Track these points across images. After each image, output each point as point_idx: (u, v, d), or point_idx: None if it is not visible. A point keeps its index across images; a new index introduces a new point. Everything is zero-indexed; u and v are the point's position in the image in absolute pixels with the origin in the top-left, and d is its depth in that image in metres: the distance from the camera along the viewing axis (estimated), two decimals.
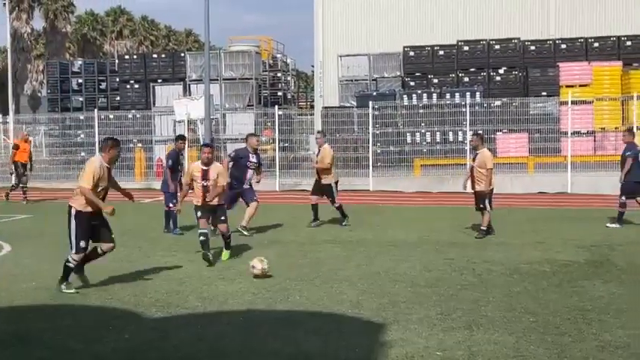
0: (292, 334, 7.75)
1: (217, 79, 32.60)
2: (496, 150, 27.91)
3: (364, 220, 17.64)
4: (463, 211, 18.26)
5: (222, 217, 12.34)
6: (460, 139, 27.33)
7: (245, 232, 15.06)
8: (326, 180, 16.78)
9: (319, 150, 17.00)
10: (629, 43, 31.15)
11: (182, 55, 36.89)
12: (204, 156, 12.25)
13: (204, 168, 12.18)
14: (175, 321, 8.43)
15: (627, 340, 7.37)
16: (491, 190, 15.02)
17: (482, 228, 14.85)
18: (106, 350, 7.32)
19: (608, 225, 16.10)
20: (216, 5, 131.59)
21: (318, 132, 19.14)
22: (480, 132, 17.56)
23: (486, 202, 14.86)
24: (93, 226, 9.87)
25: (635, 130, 25.50)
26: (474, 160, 15.23)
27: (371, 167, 26.88)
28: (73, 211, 9.79)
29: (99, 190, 9.88)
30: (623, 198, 16.25)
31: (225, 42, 46.33)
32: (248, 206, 15.36)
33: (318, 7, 36.27)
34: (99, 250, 10.15)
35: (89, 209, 9.76)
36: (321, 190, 16.92)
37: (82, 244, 9.76)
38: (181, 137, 17.02)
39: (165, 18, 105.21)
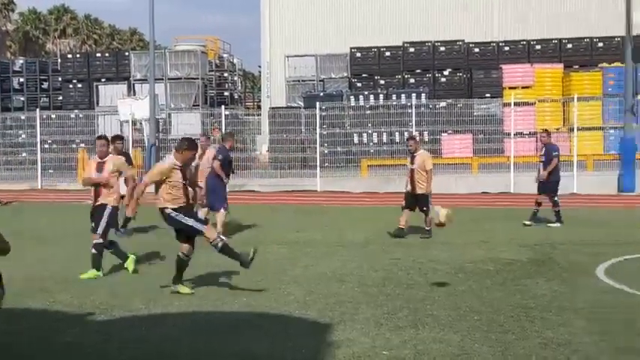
0: (239, 336, 7.71)
1: (162, 79, 32.28)
2: (441, 151, 28.23)
3: (311, 221, 17.64)
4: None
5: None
6: (406, 139, 27.49)
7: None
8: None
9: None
10: (570, 45, 31.78)
11: (126, 54, 36.44)
12: (98, 149, 11.72)
13: (100, 161, 11.59)
14: (119, 323, 8.31)
15: (569, 338, 7.50)
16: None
17: (427, 229, 14.87)
18: (48, 354, 7.18)
19: (549, 225, 16.38)
20: (161, 4, 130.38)
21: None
22: (416, 134, 17.53)
23: (429, 203, 14.74)
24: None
25: (575, 130, 26.16)
26: (412, 162, 15.00)
27: (318, 168, 26.91)
28: (168, 212, 9.56)
29: (175, 188, 9.60)
30: (555, 198, 16.61)
31: (170, 42, 45.98)
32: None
33: (265, 8, 36.22)
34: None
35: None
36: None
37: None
38: (118, 137, 15.79)
39: (108, 17, 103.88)
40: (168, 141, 30.18)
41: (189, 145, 9.79)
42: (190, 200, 9.79)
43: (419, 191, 14.81)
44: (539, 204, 16.76)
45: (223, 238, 10.31)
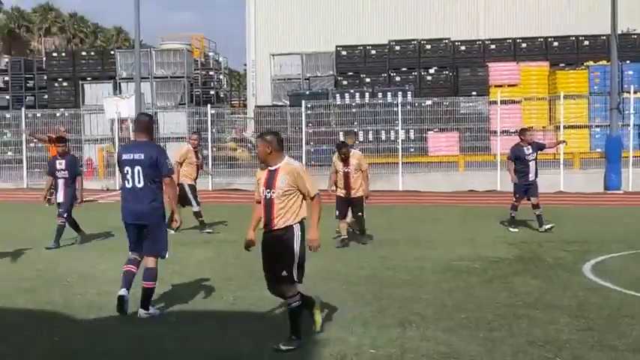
0: (225, 335, 7.69)
1: (148, 78, 32.18)
2: (427, 149, 28.27)
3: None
4: (395, 209, 18.40)
5: None
6: (392, 138, 27.57)
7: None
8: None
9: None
10: (556, 43, 31.91)
11: (112, 52, 36.27)
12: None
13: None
14: (107, 322, 8.27)
15: (556, 335, 7.52)
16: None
17: (367, 234, 14.09)
18: (35, 353, 7.13)
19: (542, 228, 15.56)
20: (146, 3, 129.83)
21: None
22: (344, 141, 15.99)
23: (363, 208, 13.90)
24: None
25: (562, 128, 26.24)
26: (346, 164, 13.70)
27: (304, 166, 26.82)
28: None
29: None
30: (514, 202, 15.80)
31: (155, 40, 45.87)
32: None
33: (250, 6, 36.16)
34: None
35: None
36: None
37: None
38: (57, 139, 15.07)
39: (94, 15, 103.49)
40: (157, 140, 30.08)
41: None
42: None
43: (357, 194, 13.71)
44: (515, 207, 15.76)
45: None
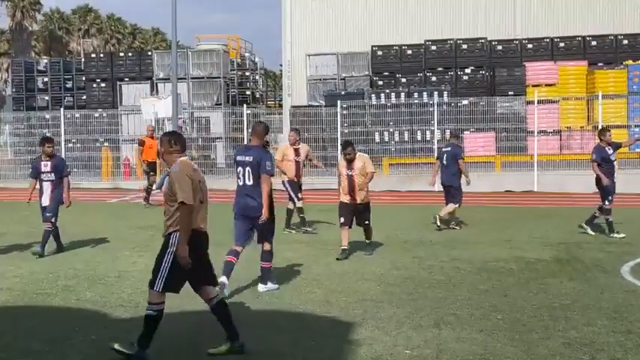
0: (262, 334, 7.73)
1: (185, 78, 32.43)
2: (464, 149, 28.10)
3: (333, 220, 17.61)
4: (431, 209, 18.32)
5: None
6: (428, 138, 27.47)
7: None
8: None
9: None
10: (594, 43, 31.50)
11: (149, 53, 36.62)
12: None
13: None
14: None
15: (593, 337, 7.45)
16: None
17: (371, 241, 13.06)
18: (72, 351, 7.23)
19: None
20: (183, 4, 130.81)
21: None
22: (349, 140, 15.74)
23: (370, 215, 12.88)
24: None
25: (599, 127, 25.91)
26: (349, 167, 12.62)
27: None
28: None
29: None
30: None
31: (192, 40, 46.19)
32: None
33: (286, 6, 36.21)
34: None
35: None
36: None
37: None
38: (46, 139, 13.74)
39: (131, 16, 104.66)
40: (194, 140, 30.35)
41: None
42: None
43: (363, 200, 12.66)
44: None
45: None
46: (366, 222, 12.82)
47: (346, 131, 27.71)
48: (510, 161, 27.28)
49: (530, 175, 25.60)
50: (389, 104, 28.77)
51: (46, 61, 39.76)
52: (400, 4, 35.18)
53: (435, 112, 26.90)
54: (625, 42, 31.38)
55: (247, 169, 9.70)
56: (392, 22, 34.92)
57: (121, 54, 37.83)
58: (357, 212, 12.68)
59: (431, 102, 27.39)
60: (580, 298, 9.22)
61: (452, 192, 16.11)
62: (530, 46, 31.68)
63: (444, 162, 16.24)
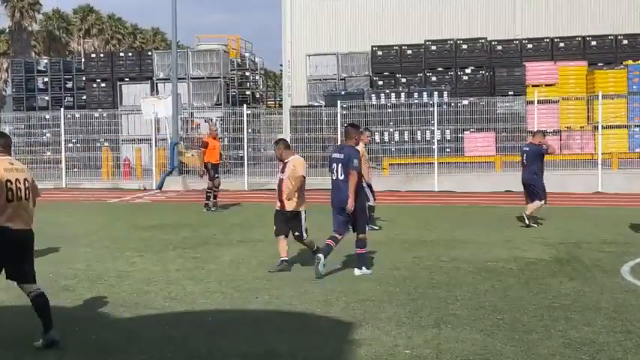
0: (261, 334, 7.73)
1: (185, 78, 32.44)
2: (464, 149, 28.11)
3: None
4: (431, 209, 18.35)
5: None
6: (428, 138, 27.49)
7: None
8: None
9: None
10: (594, 43, 31.54)
11: (149, 53, 36.68)
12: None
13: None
14: (143, 321, 8.36)
15: (593, 337, 7.45)
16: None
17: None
18: (72, 351, 7.23)
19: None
20: (182, 4, 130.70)
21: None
22: (283, 138, 14.78)
23: (304, 227, 11.29)
24: None
25: (600, 128, 25.93)
26: (282, 171, 11.31)
27: None
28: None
29: None
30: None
31: (192, 40, 46.21)
32: None
33: (286, 6, 36.23)
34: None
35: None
36: None
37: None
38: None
39: (131, 16, 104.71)
40: (196, 139, 30.28)
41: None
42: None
43: (291, 207, 11.16)
44: None
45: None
46: (296, 233, 11.24)
47: None
48: (510, 161, 27.27)
49: None
50: (389, 104, 28.80)
51: (46, 61, 39.79)
52: (400, 4, 35.22)
53: (435, 112, 26.89)
54: (625, 42, 31.43)
55: (339, 165, 10.73)
56: (392, 22, 34.95)
57: (121, 54, 37.87)
58: (287, 221, 11.26)
59: (431, 102, 27.38)
60: (580, 298, 9.21)
61: (534, 190, 16.43)
62: (530, 46, 31.73)
63: (524, 161, 16.74)
